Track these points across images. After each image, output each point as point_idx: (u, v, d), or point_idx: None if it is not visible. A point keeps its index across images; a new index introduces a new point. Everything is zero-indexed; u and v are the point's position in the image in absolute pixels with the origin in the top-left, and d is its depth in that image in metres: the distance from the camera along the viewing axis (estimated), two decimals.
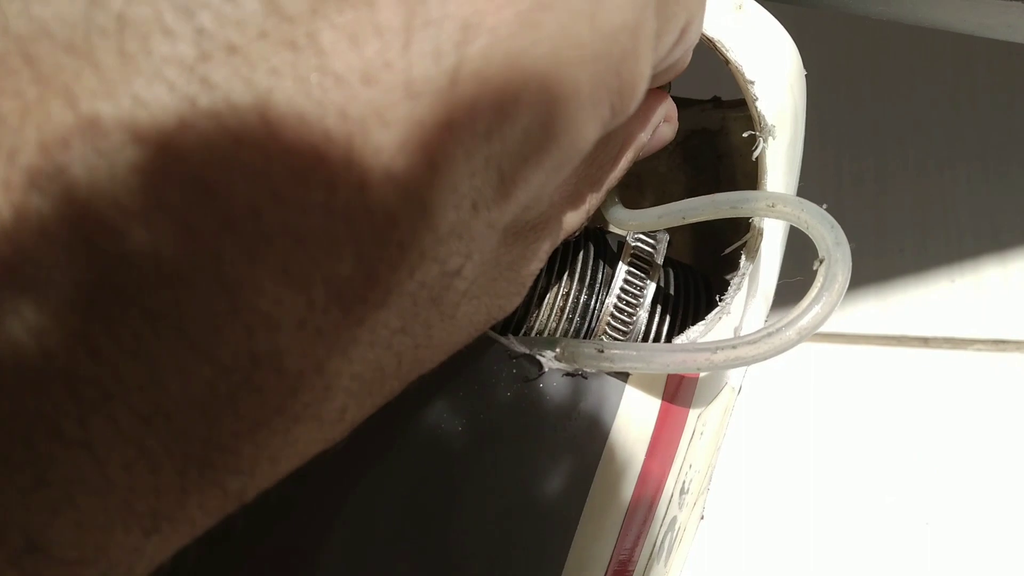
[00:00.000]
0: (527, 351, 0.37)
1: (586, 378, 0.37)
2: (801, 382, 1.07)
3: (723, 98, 0.57)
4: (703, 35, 0.40)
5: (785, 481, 1.04)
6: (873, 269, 1.05)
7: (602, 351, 0.37)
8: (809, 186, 0.99)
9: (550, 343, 0.38)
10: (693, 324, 0.50)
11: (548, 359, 0.37)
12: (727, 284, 0.48)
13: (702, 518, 0.53)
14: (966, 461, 0.99)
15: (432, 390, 0.37)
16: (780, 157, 0.42)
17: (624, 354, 0.36)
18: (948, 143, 1.04)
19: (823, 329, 0.95)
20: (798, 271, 0.52)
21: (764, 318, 0.46)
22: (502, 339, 0.37)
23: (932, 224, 1.05)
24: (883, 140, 1.06)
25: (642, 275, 0.49)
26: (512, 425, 0.37)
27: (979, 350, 1.02)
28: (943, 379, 1.03)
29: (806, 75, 0.46)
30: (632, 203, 0.65)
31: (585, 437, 0.37)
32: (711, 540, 1.00)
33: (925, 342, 1.04)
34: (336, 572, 0.35)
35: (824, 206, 0.37)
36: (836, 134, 1.05)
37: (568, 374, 0.37)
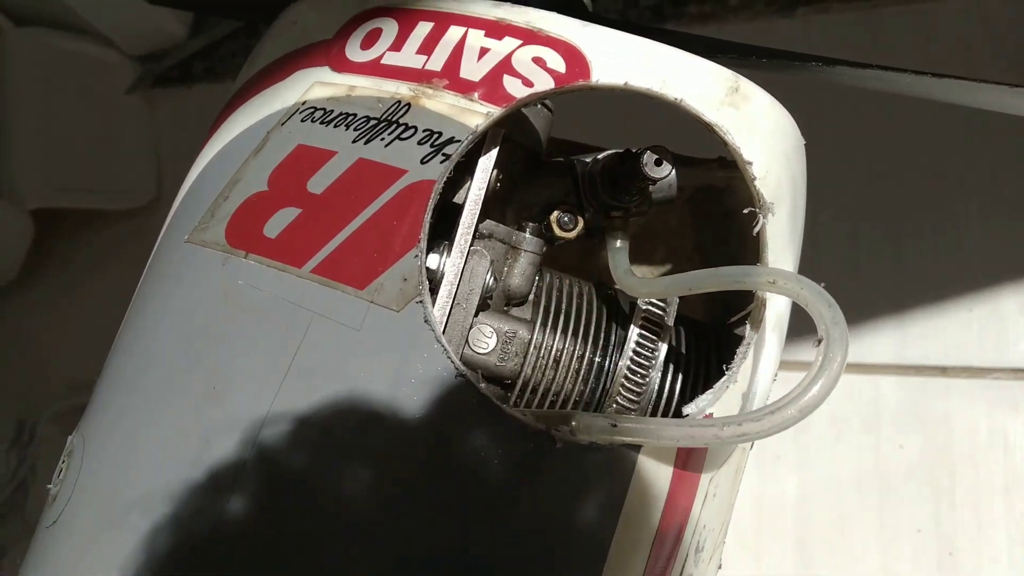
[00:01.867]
0: (543, 428, 0.39)
1: (600, 450, 0.39)
2: (825, 412, 1.08)
3: (727, 158, 0.59)
4: (701, 120, 0.42)
5: (805, 508, 1.05)
6: (892, 300, 1.06)
7: (615, 425, 0.39)
8: (828, 217, 1.01)
9: (565, 417, 0.40)
10: (707, 381, 0.51)
11: (563, 433, 0.39)
12: (737, 338, 0.49)
13: (720, 567, 0.54)
14: (986, 488, 1.00)
15: (447, 463, 0.39)
16: (782, 230, 0.44)
17: (635, 428, 0.38)
18: (961, 176, 1.05)
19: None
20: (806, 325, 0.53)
21: (773, 377, 0.48)
22: (518, 415, 0.39)
23: (948, 255, 1.05)
24: (899, 171, 1.07)
25: (654, 337, 0.51)
26: (528, 499, 0.39)
27: (997, 378, 1.03)
28: (962, 408, 1.03)
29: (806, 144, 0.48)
30: (644, 256, 0.67)
31: (601, 506, 0.39)
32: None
33: (943, 371, 1.05)
34: None
35: (823, 284, 0.38)
36: (850, 174, 1.06)
37: (583, 447, 0.39)
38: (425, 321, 0.39)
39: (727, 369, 0.43)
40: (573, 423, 0.40)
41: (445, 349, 0.39)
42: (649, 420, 0.39)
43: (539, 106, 0.52)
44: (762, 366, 0.44)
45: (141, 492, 0.42)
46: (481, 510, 0.39)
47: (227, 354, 0.42)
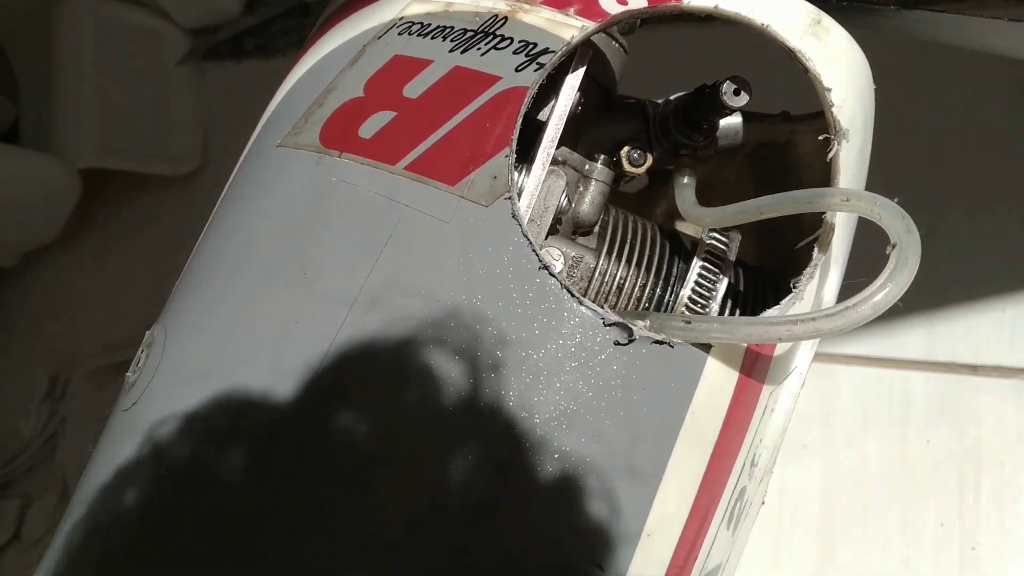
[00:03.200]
0: (620, 319, 0.41)
1: (672, 347, 0.41)
2: (853, 404, 1.09)
3: (791, 113, 0.61)
4: (785, 45, 0.44)
5: (829, 499, 1.06)
6: (924, 298, 1.07)
7: (689, 322, 0.41)
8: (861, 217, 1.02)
9: (641, 315, 0.42)
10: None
11: (638, 328, 0.41)
12: (790, 287, 0.51)
13: (763, 503, 0.56)
14: (1011, 486, 1.01)
15: (527, 347, 0.41)
16: (852, 159, 0.46)
17: (710, 326, 0.40)
18: (1000, 176, 1.06)
19: (874, 354, 0.99)
20: (860, 272, 0.55)
21: (833, 303, 0.49)
22: (597, 308, 0.41)
23: (983, 254, 1.06)
24: (937, 175, 1.09)
25: (715, 271, 0.52)
26: (602, 387, 0.40)
27: None
28: (991, 406, 1.04)
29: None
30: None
31: (670, 400, 0.41)
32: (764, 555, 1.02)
33: (974, 370, 1.06)
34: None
35: (896, 199, 0.40)
36: (890, 165, 1.08)
37: (656, 342, 0.41)
38: (512, 216, 0.41)
39: (794, 287, 0.45)
40: (647, 320, 0.42)
41: (530, 242, 0.41)
42: (723, 318, 0.40)
43: (616, 44, 0.54)
44: (826, 288, 0.46)
45: (228, 372, 0.44)
46: (556, 394, 0.40)
47: (320, 244, 0.44)
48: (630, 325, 0.40)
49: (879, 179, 1.05)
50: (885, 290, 0.37)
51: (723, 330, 0.40)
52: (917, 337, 1.08)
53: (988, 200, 1.06)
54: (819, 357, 1.13)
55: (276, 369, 0.42)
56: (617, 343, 0.40)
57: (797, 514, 1.07)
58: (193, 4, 1.58)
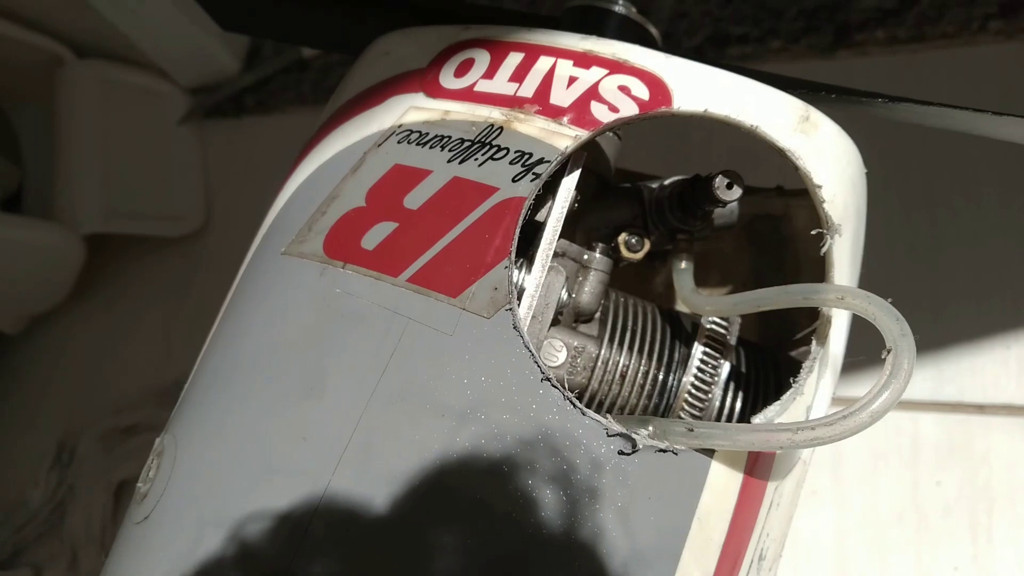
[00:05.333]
0: (623, 430, 0.41)
1: (676, 454, 0.41)
2: (862, 447, 1.09)
3: (785, 187, 0.62)
4: (775, 145, 0.45)
5: (843, 543, 1.06)
6: (930, 337, 1.08)
7: (692, 430, 0.41)
8: (864, 259, 1.03)
9: (643, 422, 0.42)
10: (765, 401, 0.54)
11: (642, 437, 0.41)
12: (794, 360, 0.52)
13: None
14: (1022, 525, 1.00)
15: (532, 464, 0.41)
16: (845, 251, 0.47)
17: (712, 432, 0.41)
18: (1000, 218, 1.07)
19: None
20: (859, 351, 0.56)
21: (831, 395, 0.50)
22: (600, 418, 0.41)
23: (988, 293, 1.07)
24: (938, 212, 1.09)
25: (716, 355, 0.53)
26: (608, 497, 0.41)
27: None
28: (1000, 445, 1.04)
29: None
30: (700, 281, 0.69)
31: (676, 507, 0.41)
32: None
33: (981, 409, 1.06)
34: None
35: (889, 300, 0.41)
36: (893, 205, 1.09)
37: (660, 450, 0.41)
38: (514, 328, 0.42)
39: (793, 382, 0.46)
40: (650, 427, 0.42)
41: (533, 354, 0.42)
42: (725, 425, 0.41)
43: (610, 134, 0.56)
44: (825, 381, 0.47)
45: (240, 488, 0.45)
46: (563, 505, 0.41)
47: (325, 356, 0.45)
48: (633, 436, 0.41)
49: (879, 220, 1.06)
50: (882, 397, 0.38)
51: (725, 437, 0.40)
52: (924, 377, 1.08)
53: (990, 237, 1.07)
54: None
55: (286, 487, 0.43)
56: (621, 452, 0.41)
57: (811, 560, 1.07)
58: (193, 64, 1.60)
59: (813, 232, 0.46)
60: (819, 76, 1.16)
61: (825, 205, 0.45)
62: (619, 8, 0.53)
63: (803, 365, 0.46)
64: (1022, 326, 1.06)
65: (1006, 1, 1.09)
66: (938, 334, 1.07)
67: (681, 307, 0.63)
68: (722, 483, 0.42)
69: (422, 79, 0.50)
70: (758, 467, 0.44)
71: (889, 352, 0.39)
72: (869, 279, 1.09)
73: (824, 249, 0.46)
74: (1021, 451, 1.04)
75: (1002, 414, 1.05)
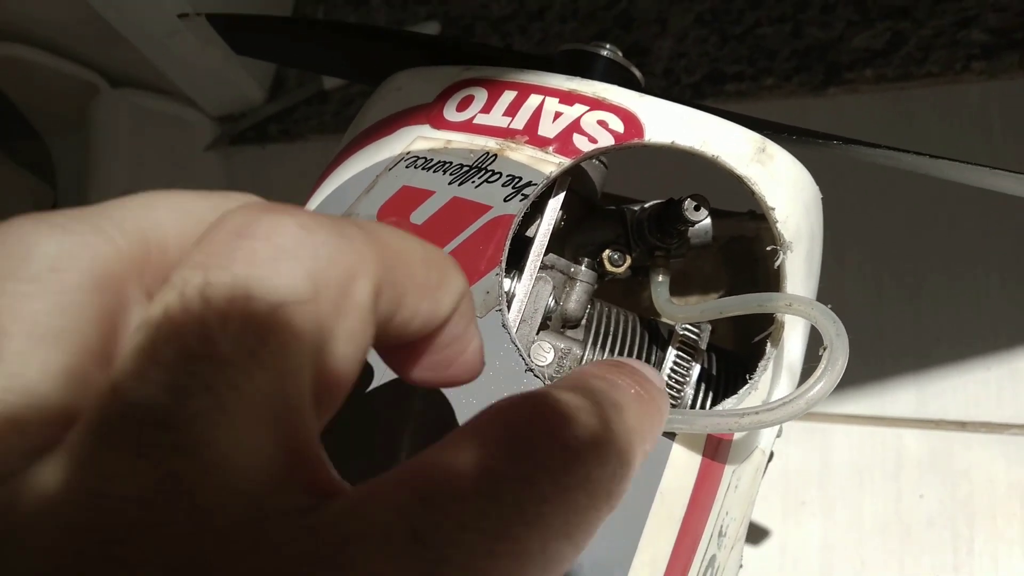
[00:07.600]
0: None
1: None
2: (848, 461, 1.14)
3: (757, 211, 0.68)
4: (734, 172, 0.52)
5: (828, 554, 1.10)
6: (912, 359, 1.13)
7: None
8: (852, 285, 1.10)
9: None
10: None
11: None
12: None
13: (741, 566, 0.62)
14: (1005, 540, 1.05)
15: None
16: (799, 266, 0.53)
17: (672, 417, 0.47)
18: (980, 245, 1.13)
19: (867, 412, 1.08)
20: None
21: (786, 393, 0.56)
22: None
23: (967, 318, 1.13)
24: (920, 243, 1.15)
25: (688, 358, 0.60)
26: None
27: (1015, 434, 1.09)
28: (981, 461, 1.09)
29: (823, 199, 0.57)
30: (681, 297, 0.76)
31: (640, 481, 0.48)
32: None
33: (963, 426, 1.11)
34: None
35: (829, 306, 0.47)
36: (875, 239, 1.15)
37: None
38: (503, 326, 0.49)
39: (749, 379, 0.52)
40: None
41: (518, 348, 0.48)
42: (684, 411, 0.47)
43: (597, 162, 0.62)
44: (780, 379, 0.53)
45: None
46: None
47: None
48: None
49: (863, 249, 1.12)
50: (817, 387, 0.44)
51: (684, 421, 0.47)
52: (908, 395, 1.13)
53: (969, 267, 1.13)
54: (815, 417, 1.19)
55: None
56: None
57: (797, 568, 1.12)
58: (219, 93, 1.69)
59: (768, 248, 0.53)
60: (811, 112, 1.24)
61: (778, 225, 0.52)
62: (606, 52, 0.60)
63: (759, 364, 0.52)
64: (1001, 349, 1.11)
65: (988, 43, 1.16)
66: (921, 356, 1.13)
67: (663, 318, 0.69)
68: (683, 463, 0.48)
69: (428, 112, 0.57)
70: (717, 452, 0.50)
71: (825, 349, 0.45)
72: (857, 307, 1.14)
73: (777, 263, 0.52)
74: (1001, 466, 1.09)
75: (982, 431, 1.10)
